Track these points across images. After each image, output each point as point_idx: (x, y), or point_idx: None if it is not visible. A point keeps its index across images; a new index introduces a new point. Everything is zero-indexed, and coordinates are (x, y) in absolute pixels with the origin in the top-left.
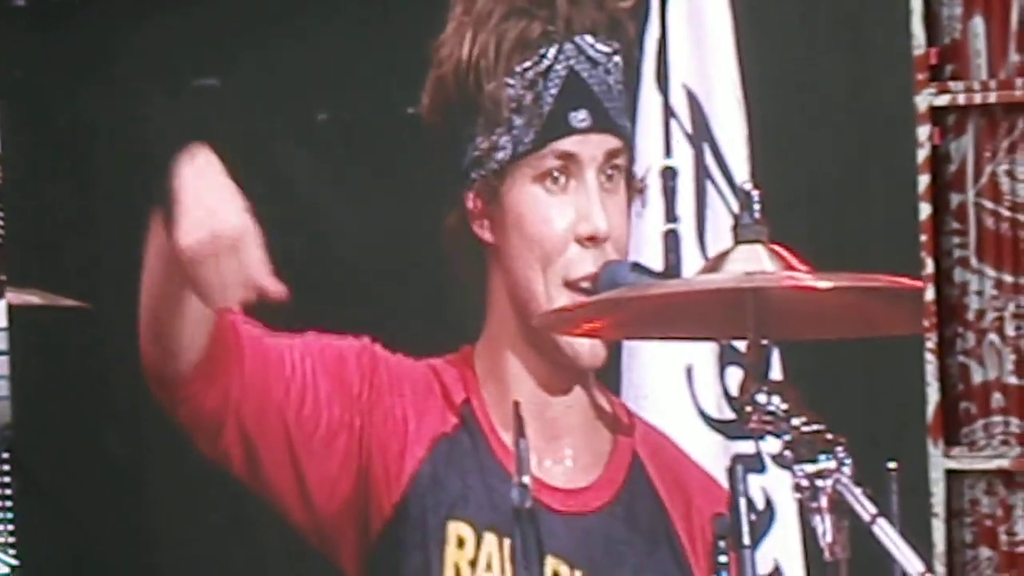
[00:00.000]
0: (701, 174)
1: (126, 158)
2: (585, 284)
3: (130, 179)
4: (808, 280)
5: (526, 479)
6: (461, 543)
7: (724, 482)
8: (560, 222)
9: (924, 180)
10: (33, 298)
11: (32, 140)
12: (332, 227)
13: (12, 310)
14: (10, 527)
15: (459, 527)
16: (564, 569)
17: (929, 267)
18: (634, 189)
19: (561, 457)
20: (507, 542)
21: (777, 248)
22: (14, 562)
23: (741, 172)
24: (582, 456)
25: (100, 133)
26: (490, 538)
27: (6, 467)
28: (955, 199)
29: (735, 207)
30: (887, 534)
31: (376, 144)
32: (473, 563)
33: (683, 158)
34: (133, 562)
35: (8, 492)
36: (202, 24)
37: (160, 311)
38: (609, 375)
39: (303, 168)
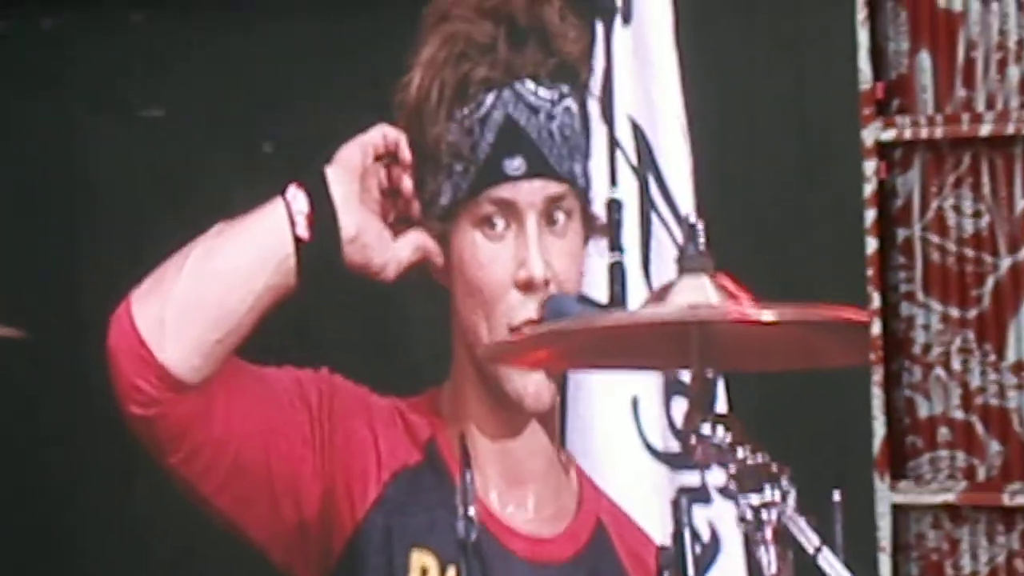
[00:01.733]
0: (646, 205)
1: (70, 187)
2: (528, 330)
3: (74, 208)
4: (753, 313)
5: (471, 511)
6: (424, 572)
7: (656, 523)
8: (498, 267)
9: (871, 214)
10: None
11: None
12: None
13: None
14: None
15: (423, 557)
16: None
17: (875, 301)
18: (591, 230)
19: (524, 504)
20: None
21: (722, 280)
22: None
23: (686, 203)
24: (545, 506)
25: (44, 161)
26: (453, 572)
27: None
28: (901, 234)
29: (680, 238)
30: (831, 565)
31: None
32: None
33: (628, 189)
34: None
35: None
36: (148, 54)
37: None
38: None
39: (248, 199)
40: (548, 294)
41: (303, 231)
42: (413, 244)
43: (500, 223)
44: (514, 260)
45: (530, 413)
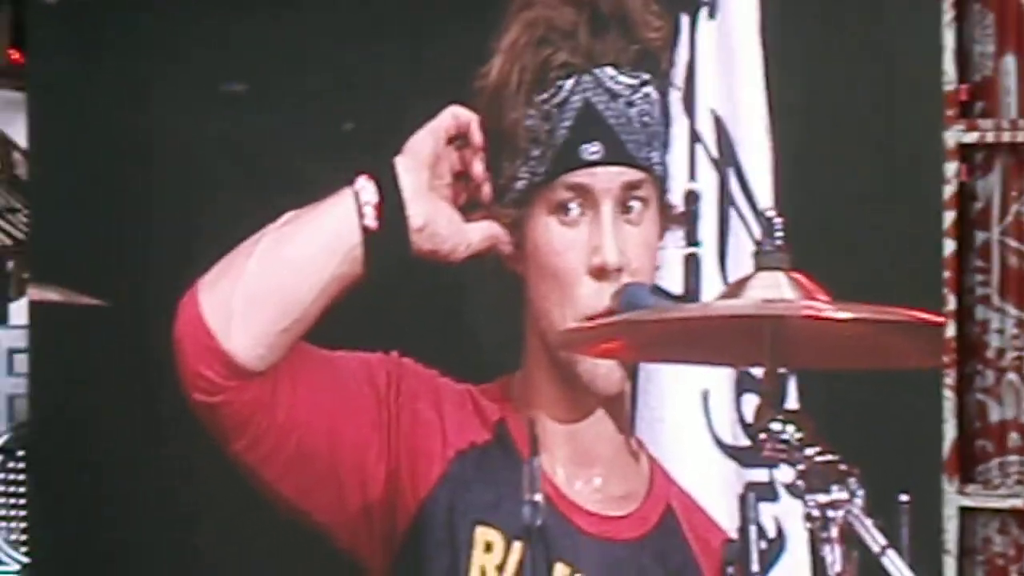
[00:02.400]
0: (725, 199)
1: (152, 159)
2: (601, 319)
3: (155, 180)
4: (828, 310)
5: (538, 497)
6: (489, 547)
7: (723, 518)
8: (573, 254)
9: (950, 216)
10: (54, 295)
11: (60, 137)
12: None
13: (33, 307)
14: (23, 525)
15: (487, 532)
16: None
17: (951, 303)
18: (668, 220)
19: (591, 482)
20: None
21: (798, 276)
22: (25, 560)
23: (765, 199)
24: (613, 486)
25: (127, 133)
26: (518, 547)
27: (22, 465)
28: (980, 237)
29: (757, 233)
30: (896, 566)
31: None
32: (500, 568)
33: (707, 182)
34: (145, 564)
35: (23, 490)
36: (232, 29)
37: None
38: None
39: (326, 178)
40: (621, 283)
41: (371, 221)
42: (483, 232)
43: (575, 209)
44: (588, 247)
45: (601, 395)
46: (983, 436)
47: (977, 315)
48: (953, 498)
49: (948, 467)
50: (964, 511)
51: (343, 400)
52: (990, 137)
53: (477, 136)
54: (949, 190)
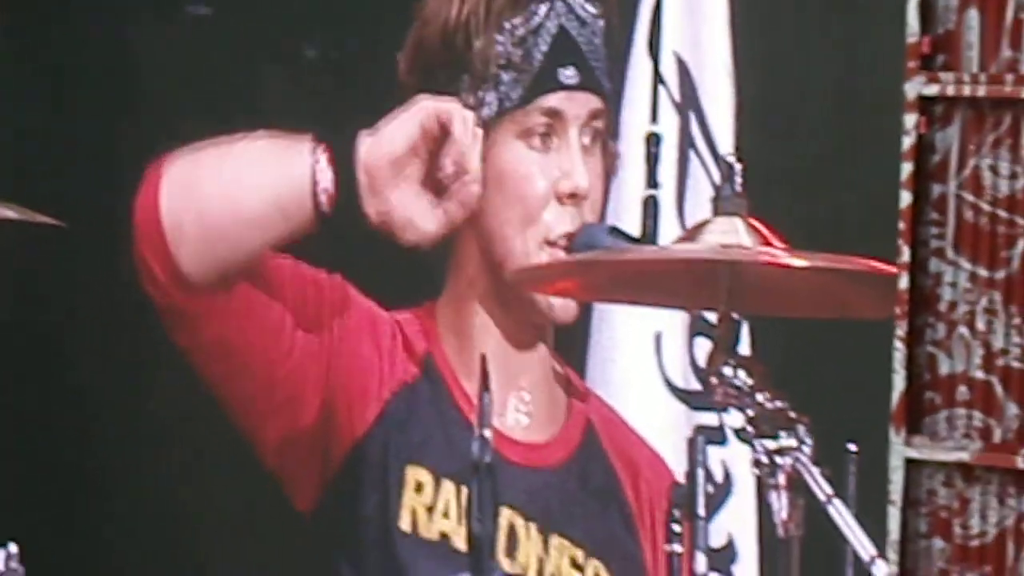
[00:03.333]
0: (685, 143)
1: (114, 81)
2: (564, 243)
3: (116, 102)
4: (784, 257)
5: (487, 433)
6: (419, 488)
7: (671, 460)
8: (542, 179)
9: (907, 168)
10: (9, 213)
11: (18, 54)
12: None
13: None
14: None
15: (418, 472)
16: (519, 521)
17: (905, 255)
18: (608, 156)
19: (520, 410)
20: (465, 491)
21: (755, 223)
22: None
23: (725, 144)
24: (540, 412)
25: (89, 52)
26: (448, 486)
27: None
28: (936, 189)
29: (717, 178)
30: (841, 516)
31: (363, 85)
32: (431, 509)
33: (669, 126)
34: (100, 482)
35: None
36: None
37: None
38: (578, 336)
39: (287, 104)
40: (585, 210)
41: (325, 208)
42: (440, 222)
43: (544, 135)
44: (558, 171)
45: (559, 323)
46: (932, 388)
47: (931, 268)
48: (899, 449)
49: (895, 418)
50: (910, 463)
51: (285, 321)
52: (951, 90)
53: (460, 133)
54: (907, 142)
